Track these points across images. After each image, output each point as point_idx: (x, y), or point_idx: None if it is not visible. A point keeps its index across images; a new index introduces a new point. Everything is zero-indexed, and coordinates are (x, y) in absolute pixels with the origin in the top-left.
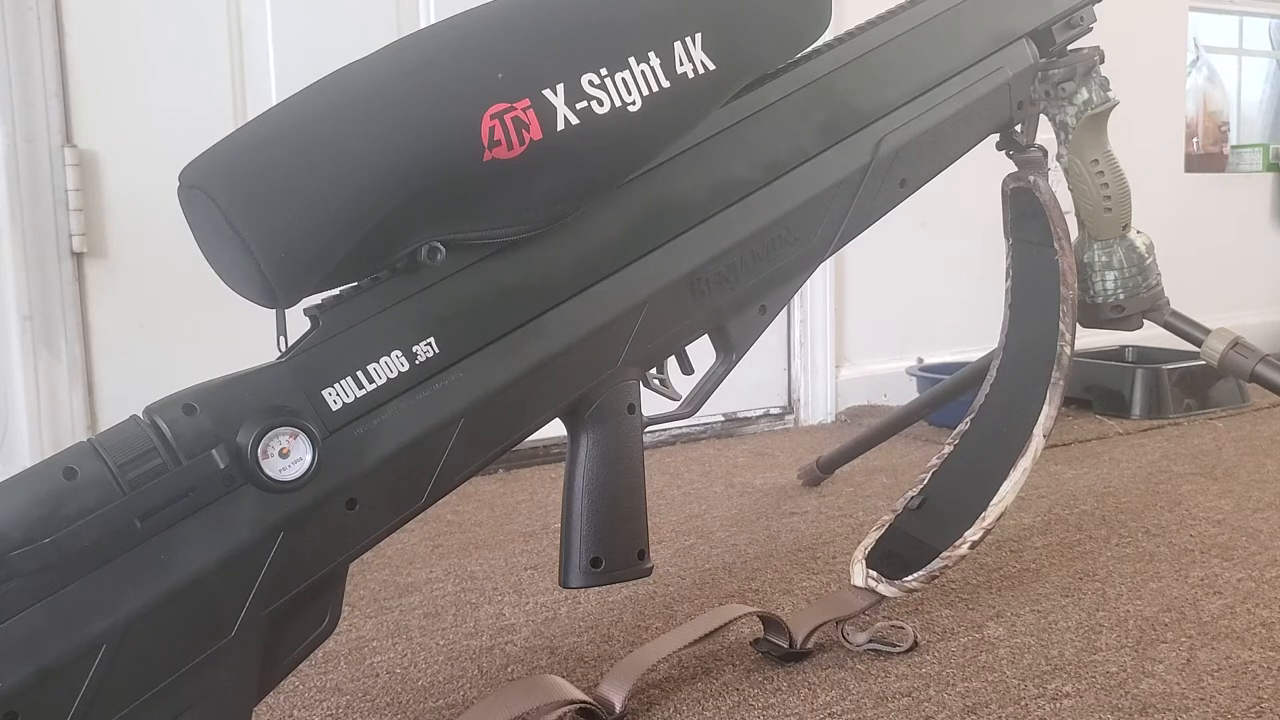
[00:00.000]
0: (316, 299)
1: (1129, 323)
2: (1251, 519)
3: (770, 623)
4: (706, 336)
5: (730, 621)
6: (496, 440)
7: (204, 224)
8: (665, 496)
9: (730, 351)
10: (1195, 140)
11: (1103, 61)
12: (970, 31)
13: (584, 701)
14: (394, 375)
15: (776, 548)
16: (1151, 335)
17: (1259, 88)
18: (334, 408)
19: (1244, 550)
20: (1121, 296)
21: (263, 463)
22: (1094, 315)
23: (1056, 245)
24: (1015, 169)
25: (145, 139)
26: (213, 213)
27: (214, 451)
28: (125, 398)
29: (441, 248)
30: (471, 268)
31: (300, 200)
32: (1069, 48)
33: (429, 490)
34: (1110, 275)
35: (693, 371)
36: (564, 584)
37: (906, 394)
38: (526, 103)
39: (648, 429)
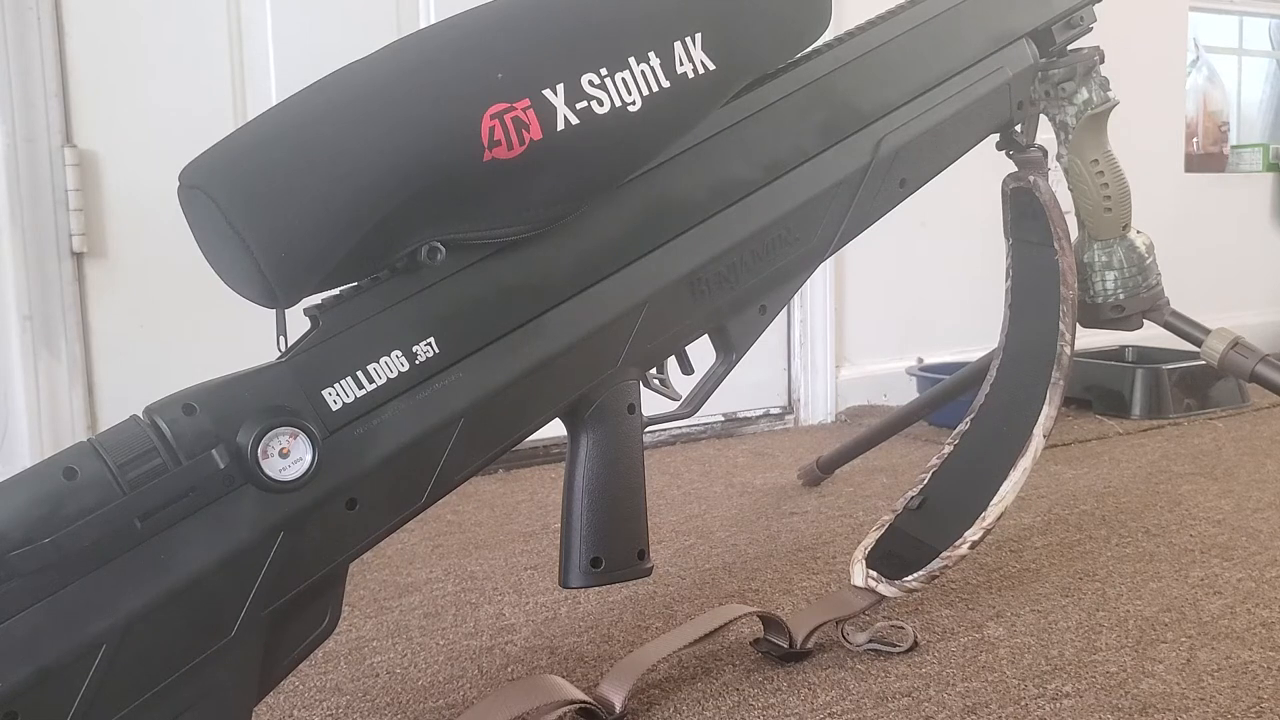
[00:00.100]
0: (316, 299)
1: (1129, 323)
2: (1251, 519)
3: (770, 623)
4: (706, 336)
5: (730, 621)
6: (496, 440)
7: (204, 224)
8: (665, 496)
9: (730, 351)
10: (1195, 140)
11: (1103, 61)
12: (970, 31)
13: (584, 701)
14: (394, 375)
15: (776, 548)
16: (1151, 335)
17: (1259, 88)
18: (334, 408)
19: (1244, 550)
20: (1121, 296)
21: (263, 463)
22: (1094, 315)
23: (1056, 245)
24: (1015, 169)
25: (145, 139)
26: (213, 213)
27: (214, 451)
28: (125, 398)
29: (441, 248)
30: (471, 268)
31: (300, 200)
32: (1069, 48)
33: (429, 490)
34: (1110, 275)
35: (693, 371)
36: (564, 584)
37: (906, 394)
38: (526, 103)
39: (648, 429)
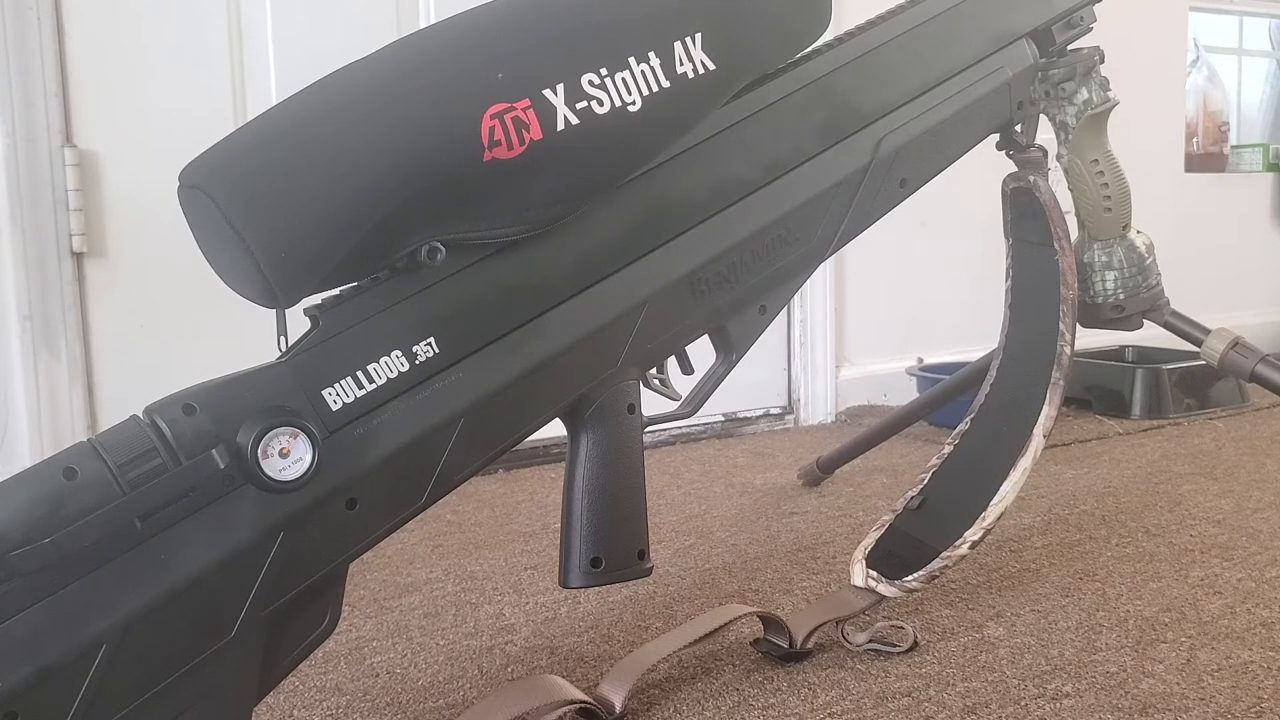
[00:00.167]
0: (316, 299)
1: (1129, 323)
2: (1251, 519)
3: (770, 623)
4: (706, 336)
5: (730, 621)
6: (496, 440)
7: (204, 224)
8: (665, 496)
9: (730, 351)
10: (1195, 140)
11: (1103, 61)
12: (970, 31)
13: (584, 701)
14: (394, 375)
15: (776, 548)
16: (1151, 335)
17: (1259, 88)
18: (334, 408)
19: (1244, 550)
20: (1121, 296)
21: (263, 463)
22: (1094, 315)
23: (1056, 245)
24: (1015, 169)
25: (145, 139)
26: (213, 213)
27: (214, 451)
28: (125, 398)
29: (441, 248)
30: (471, 268)
31: (300, 200)
32: (1069, 48)
33: (429, 490)
34: (1110, 275)
35: (693, 371)
36: (564, 584)
37: (906, 394)
38: (526, 103)
39: (648, 429)
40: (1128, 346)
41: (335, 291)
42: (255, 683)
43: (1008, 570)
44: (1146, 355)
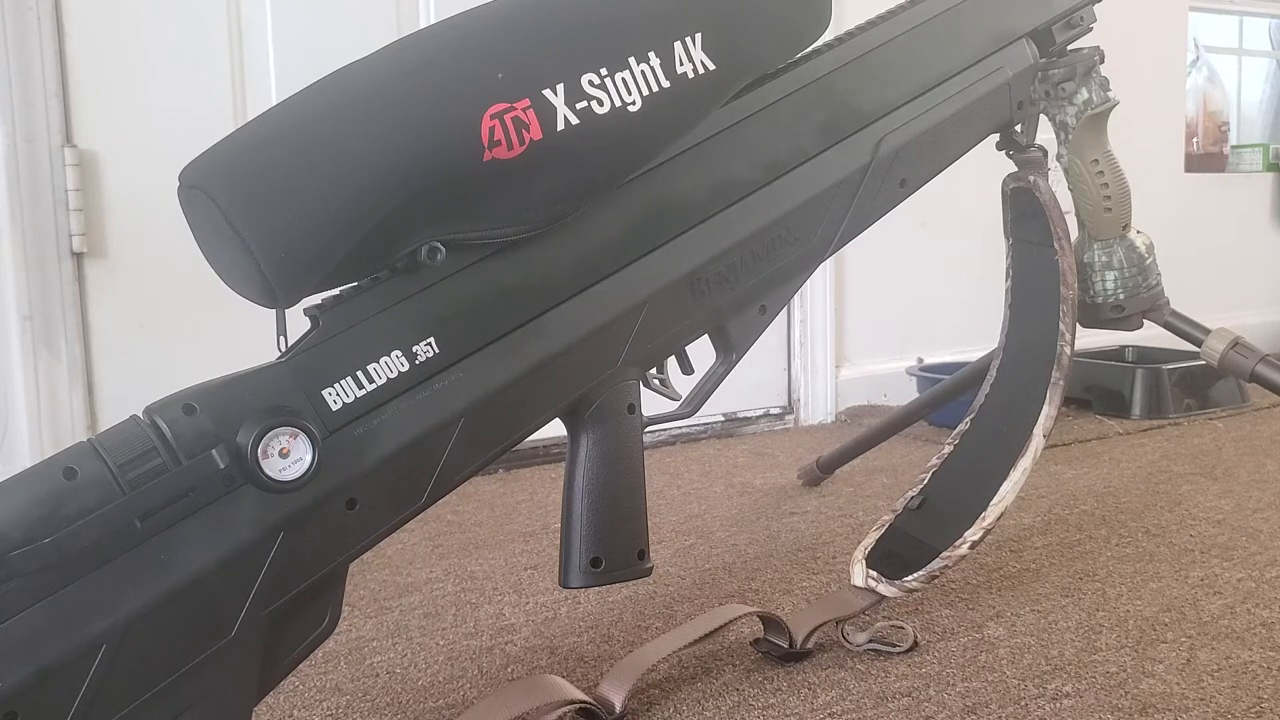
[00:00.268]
0: (316, 299)
1: (1129, 323)
2: (1251, 519)
3: (770, 623)
4: (706, 336)
5: (730, 621)
6: (496, 440)
7: (204, 224)
8: (665, 496)
9: (730, 351)
10: (1195, 140)
11: (1103, 61)
12: (970, 31)
13: (584, 701)
14: (394, 375)
15: (776, 548)
16: (1151, 335)
17: (1259, 88)
18: (334, 408)
19: (1244, 550)
20: (1121, 296)
21: (263, 463)
22: (1094, 315)
23: (1056, 245)
24: (1015, 169)
25: (145, 139)
26: (213, 213)
27: (214, 451)
28: (125, 398)
29: (441, 248)
30: (471, 268)
31: (300, 200)
32: (1069, 48)
33: (429, 490)
34: (1110, 275)
35: (693, 371)
36: (564, 584)
37: (906, 394)
38: (526, 103)
39: (648, 429)
40: (1128, 346)
41: (335, 291)
42: (255, 683)
43: (1008, 570)
44: (1146, 355)
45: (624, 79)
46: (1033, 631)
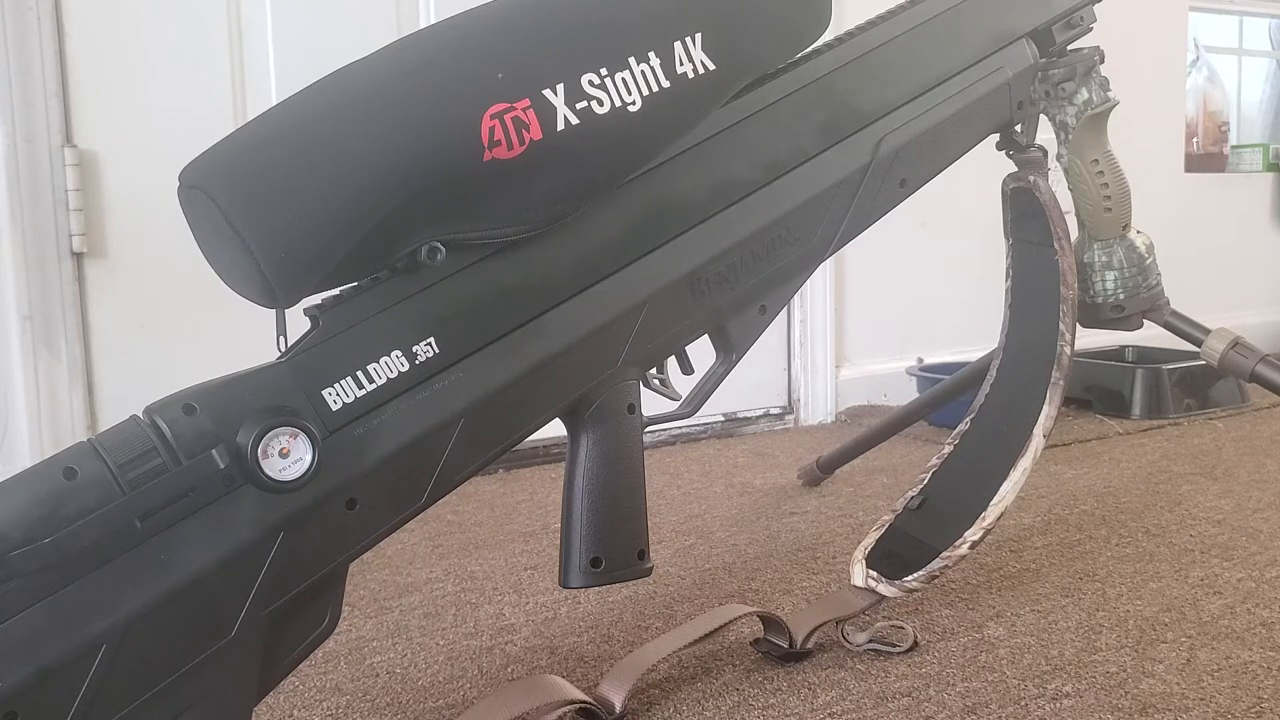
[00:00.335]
0: (316, 299)
1: (1129, 323)
2: (1251, 519)
3: (770, 623)
4: (706, 336)
5: (730, 621)
6: (496, 440)
7: (204, 224)
8: (665, 496)
9: (730, 351)
10: (1195, 140)
11: (1103, 61)
12: (970, 31)
13: (584, 701)
14: (394, 375)
15: (776, 548)
16: (1151, 335)
17: (1259, 88)
18: (334, 408)
19: (1244, 550)
20: (1121, 296)
21: (263, 463)
22: (1094, 315)
23: (1056, 245)
24: (1015, 169)
25: (145, 139)
26: (213, 213)
27: (214, 451)
28: (125, 398)
29: (441, 248)
30: (471, 268)
31: (300, 200)
32: (1069, 48)
33: (429, 490)
34: (1110, 275)
35: (693, 371)
36: (564, 584)
37: (906, 394)
38: (526, 103)
39: (648, 429)
40: (1128, 346)
41: (335, 291)
42: (255, 683)
43: (1008, 570)
44: (1146, 355)
45: (624, 79)
46: (1033, 631)
